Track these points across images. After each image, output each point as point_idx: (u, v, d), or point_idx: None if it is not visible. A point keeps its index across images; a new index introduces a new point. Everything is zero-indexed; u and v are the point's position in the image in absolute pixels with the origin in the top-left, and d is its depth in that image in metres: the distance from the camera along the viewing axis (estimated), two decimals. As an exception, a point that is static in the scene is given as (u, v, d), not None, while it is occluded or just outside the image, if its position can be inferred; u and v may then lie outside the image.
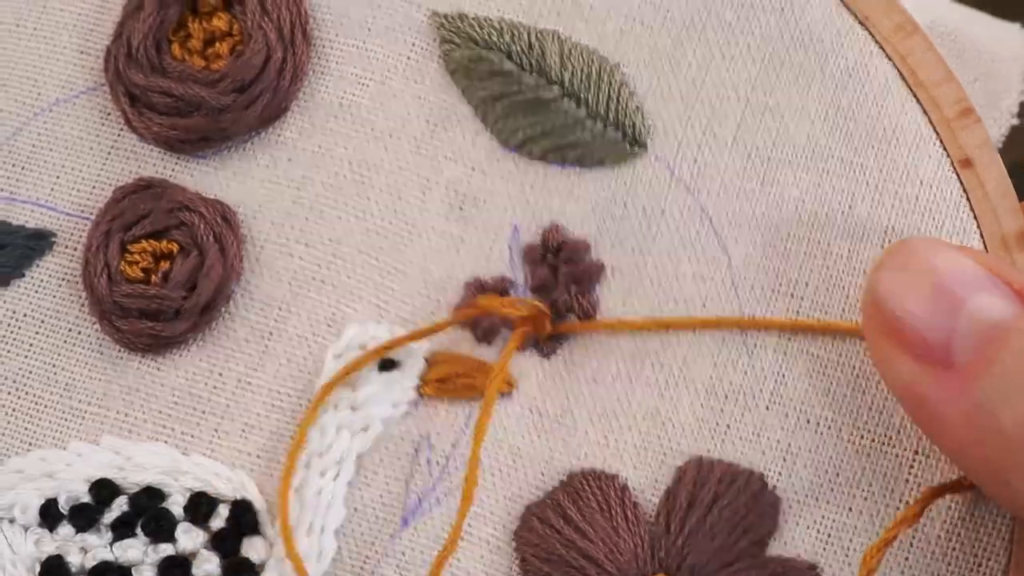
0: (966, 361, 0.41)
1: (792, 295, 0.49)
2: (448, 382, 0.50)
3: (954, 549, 0.46)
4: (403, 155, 0.53)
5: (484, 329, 0.51)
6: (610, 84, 0.52)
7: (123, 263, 0.53)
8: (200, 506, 0.50)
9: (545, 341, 0.50)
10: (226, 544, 0.49)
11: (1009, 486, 0.42)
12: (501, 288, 0.51)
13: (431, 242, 0.52)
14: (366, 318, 0.51)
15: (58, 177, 0.55)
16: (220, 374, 0.52)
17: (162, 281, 0.52)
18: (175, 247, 0.53)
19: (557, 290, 0.50)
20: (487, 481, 0.49)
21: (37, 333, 0.53)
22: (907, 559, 0.46)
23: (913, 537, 0.46)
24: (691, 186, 0.51)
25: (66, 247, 0.54)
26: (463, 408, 0.50)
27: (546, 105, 0.52)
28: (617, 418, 0.49)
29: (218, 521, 0.50)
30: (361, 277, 0.52)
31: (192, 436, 0.51)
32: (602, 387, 0.50)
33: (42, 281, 0.54)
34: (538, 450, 0.49)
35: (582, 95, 0.52)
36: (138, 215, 0.53)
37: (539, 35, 0.52)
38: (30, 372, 0.53)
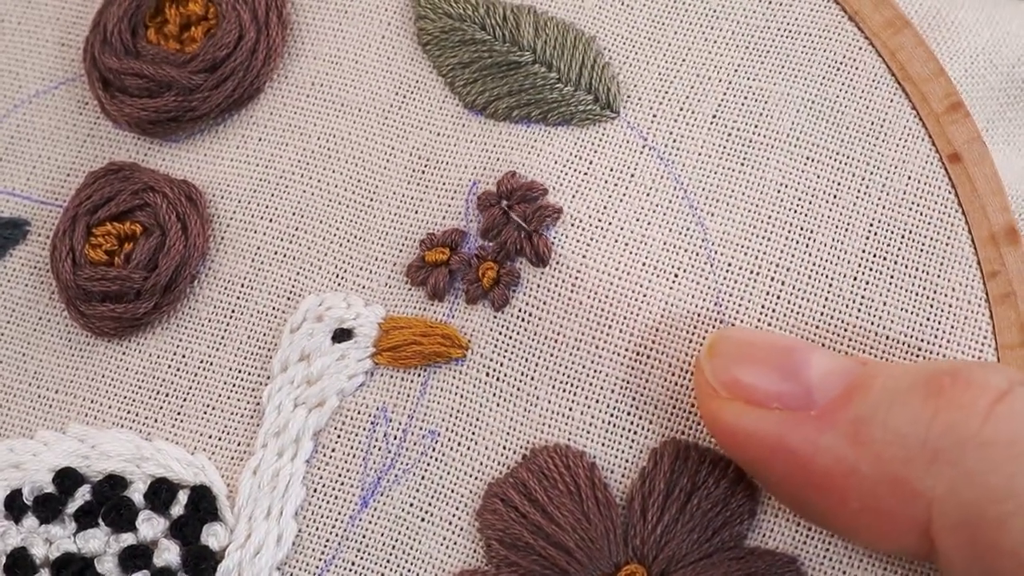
0: (833, 395, 0.42)
1: (773, 278, 0.46)
2: (400, 350, 0.48)
3: None
4: (370, 126, 0.51)
5: (433, 286, 0.48)
6: (584, 52, 0.50)
7: (87, 246, 0.51)
8: (160, 493, 0.47)
9: (493, 289, 0.48)
10: (185, 531, 0.47)
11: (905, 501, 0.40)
12: (451, 240, 0.48)
13: (390, 207, 0.50)
14: (325, 288, 0.50)
15: (34, 167, 0.54)
16: (183, 356, 0.50)
17: (124, 263, 0.50)
18: (139, 228, 0.51)
19: (507, 230, 0.48)
20: (445, 455, 0.47)
21: (8, 322, 0.52)
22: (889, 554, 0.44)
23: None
24: (665, 156, 0.49)
25: (39, 235, 0.53)
26: (418, 376, 0.48)
27: (516, 68, 0.50)
28: (583, 387, 0.46)
29: (178, 508, 0.47)
30: (321, 248, 0.50)
31: (155, 420, 0.49)
32: (564, 349, 0.47)
33: (15, 270, 0.52)
34: (498, 420, 0.46)
35: (554, 62, 0.50)
36: (104, 198, 0.51)
37: (515, 9, 0.51)
38: (0, 362, 0.51)
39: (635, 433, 0.46)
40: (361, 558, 0.46)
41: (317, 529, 0.47)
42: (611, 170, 0.49)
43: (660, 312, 0.47)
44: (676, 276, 0.47)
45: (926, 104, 0.48)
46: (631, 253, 0.47)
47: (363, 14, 0.53)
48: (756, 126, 0.48)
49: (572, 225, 0.48)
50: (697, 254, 0.47)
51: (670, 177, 0.48)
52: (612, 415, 0.46)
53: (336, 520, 0.47)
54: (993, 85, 0.49)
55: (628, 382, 0.46)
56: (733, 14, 0.50)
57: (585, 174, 0.49)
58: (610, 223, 0.48)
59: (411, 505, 0.46)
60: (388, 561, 0.46)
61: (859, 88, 0.49)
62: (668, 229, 0.48)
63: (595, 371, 0.46)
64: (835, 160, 0.48)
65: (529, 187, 0.48)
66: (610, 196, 0.48)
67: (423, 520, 0.46)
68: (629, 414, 0.46)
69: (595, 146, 0.49)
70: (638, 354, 0.46)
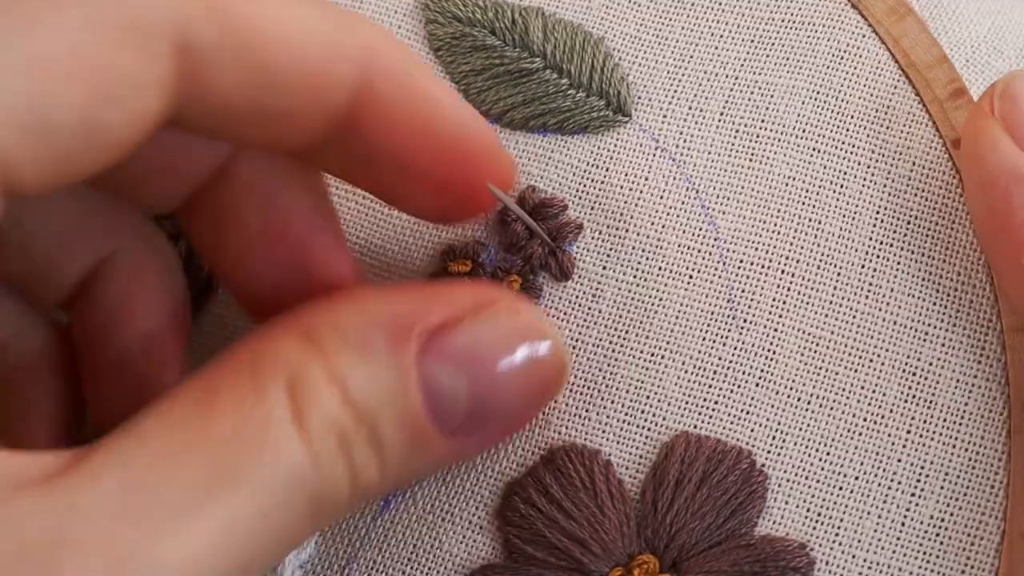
0: None
1: (783, 271, 0.47)
2: None
3: (947, 528, 0.45)
4: None
5: None
6: (594, 55, 0.50)
7: None
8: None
9: None
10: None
11: None
12: (472, 251, 0.49)
13: (408, 216, 0.50)
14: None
15: None
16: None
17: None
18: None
19: (530, 245, 0.49)
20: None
21: None
22: (898, 539, 0.45)
23: (906, 514, 0.45)
24: (677, 157, 0.49)
25: None
26: None
27: (528, 75, 0.50)
28: (599, 390, 0.47)
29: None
30: None
31: None
32: (581, 356, 0.47)
33: None
34: None
35: (564, 66, 0.50)
36: None
37: (523, 12, 0.51)
38: None
39: (648, 430, 0.46)
40: (383, 557, 0.47)
41: (340, 528, 0.47)
42: (626, 176, 0.49)
43: (675, 314, 0.47)
44: (691, 278, 0.48)
45: (929, 90, 0.48)
46: (648, 259, 0.48)
47: (373, 18, 0.53)
48: (763, 120, 0.49)
49: (592, 237, 0.49)
50: (710, 254, 0.48)
51: (682, 178, 0.48)
52: (627, 414, 0.47)
53: (359, 520, 0.47)
54: (1000, 71, 0.50)
55: (643, 382, 0.47)
56: (738, 6, 0.51)
57: (602, 183, 0.49)
58: (627, 231, 0.48)
59: (433, 505, 0.47)
60: (409, 560, 0.47)
61: (863, 76, 0.49)
62: (682, 231, 0.48)
63: (611, 374, 0.47)
64: (841, 150, 0.48)
65: (550, 203, 0.49)
66: (626, 203, 0.49)
67: (444, 520, 0.47)
68: (643, 412, 0.47)
69: (610, 153, 0.49)
70: (652, 355, 0.47)
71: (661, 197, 0.49)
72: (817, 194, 0.47)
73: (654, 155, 0.49)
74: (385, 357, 0.37)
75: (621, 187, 0.49)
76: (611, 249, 0.48)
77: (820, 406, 0.46)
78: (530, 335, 0.41)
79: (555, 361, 0.42)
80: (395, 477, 0.38)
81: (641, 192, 0.49)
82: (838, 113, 0.48)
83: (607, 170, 0.49)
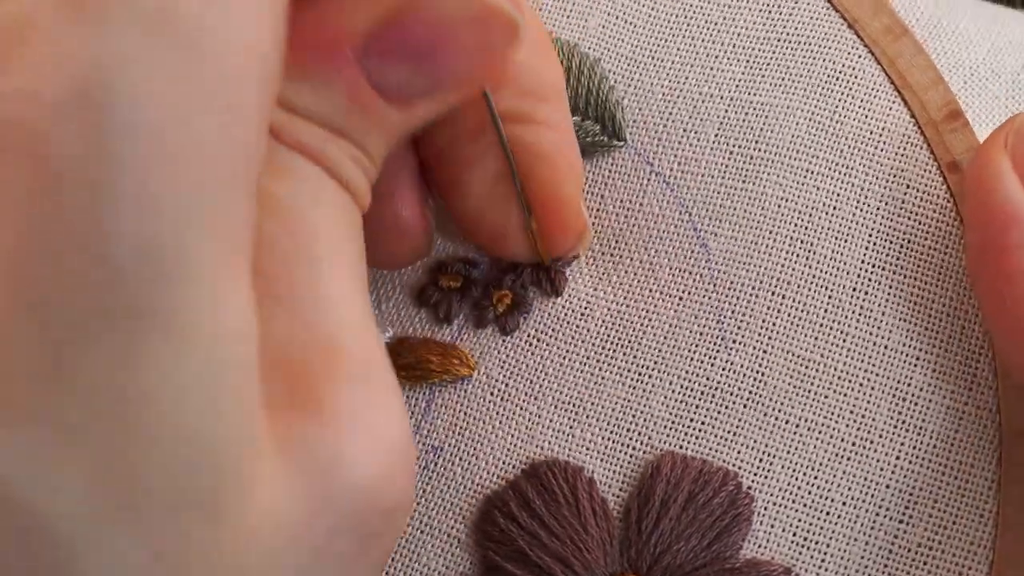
0: None
1: (774, 293, 0.46)
2: (410, 368, 0.48)
3: (935, 557, 0.44)
4: None
5: (445, 311, 0.48)
6: (590, 78, 0.50)
7: None
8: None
9: (505, 315, 0.48)
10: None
11: None
12: (465, 269, 0.48)
13: None
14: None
15: None
16: None
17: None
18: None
19: (521, 264, 0.48)
20: (448, 470, 0.47)
21: None
22: (886, 565, 0.44)
23: (894, 541, 0.44)
24: (671, 181, 0.49)
25: None
26: (423, 393, 0.48)
27: None
28: (585, 407, 0.47)
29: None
30: None
31: None
32: (569, 372, 0.47)
33: None
34: (501, 438, 0.47)
35: (561, 88, 0.50)
36: None
37: (519, 32, 0.51)
38: None
39: (634, 449, 0.46)
40: None
41: None
42: (621, 201, 0.49)
43: (663, 334, 0.47)
44: (680, 299, 0.47)
45: (925, 112, 0.48)
46: (639, 282, 0.48)
47: None
48: (757, 141, 0.48)
49: (586, 260, 0.48)
50: (701, 276, 0.47)
51: (675, 201, 0.48)
52: (612, 432, 0.46)
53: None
54: (997, 93, 0.49)
55: (629, 401, 0.46)
56: (734, 26, 0.50)
57: (598, 209, 0.49)
58: (620, 254, 0.48)
59: (412, 518, 0.46)
60: (388, 573, 0.46)
61: (858, 97, 0.48)
62: (674, 255, 0.48)
63: (598, 392, 0.47)
64: (835, 171, 0.47)
65: None
66: (621, 228, 0.48)
67: (423, 532, 0.46)
68: (629, 431, 0.46)
69: (606, 178, 0.49)
70: (640, 375, 0.46)
71: (655, 221, 0.48)
72: (810, 216, 0.47)
73: (648, 179, 0.49)
74: (326, 78, 0.37)
75: (616, 213, 0.49)
76: (604, 272, 0.48)
77: (808, 429, 0.45)
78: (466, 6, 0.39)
79: (502, 19, 0.39)
80: (387, 148, 0.39)
81: (636, 217, 0.48)
82: (833, 134, 0.48)
83: (602, 196, 0.49)
